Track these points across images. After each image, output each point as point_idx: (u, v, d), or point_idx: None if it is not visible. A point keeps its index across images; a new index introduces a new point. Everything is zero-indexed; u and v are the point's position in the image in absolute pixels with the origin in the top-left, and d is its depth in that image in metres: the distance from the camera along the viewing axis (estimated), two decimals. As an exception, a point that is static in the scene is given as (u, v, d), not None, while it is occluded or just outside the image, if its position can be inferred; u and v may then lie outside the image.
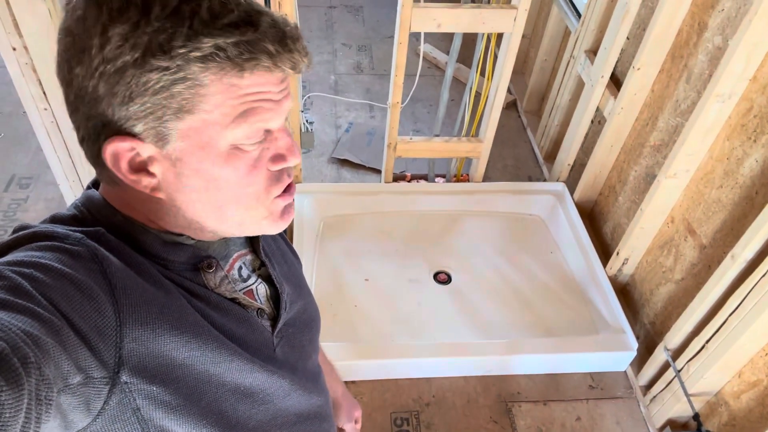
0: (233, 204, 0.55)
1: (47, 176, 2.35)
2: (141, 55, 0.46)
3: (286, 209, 0.59)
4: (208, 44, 0.46)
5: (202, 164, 0.51)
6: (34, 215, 2.28)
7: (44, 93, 1.48)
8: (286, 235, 2.00)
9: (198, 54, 0.46)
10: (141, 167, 0.52)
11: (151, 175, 0.52)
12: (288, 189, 0.58)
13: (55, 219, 0.55)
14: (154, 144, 0.50)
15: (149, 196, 0.53)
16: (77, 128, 0.53)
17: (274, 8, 1.53)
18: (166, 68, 0.46)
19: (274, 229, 0.60)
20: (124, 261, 0.52)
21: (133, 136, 0.49)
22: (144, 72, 0.46)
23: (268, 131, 0.54)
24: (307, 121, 2.72)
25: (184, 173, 0.52)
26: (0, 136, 2.59)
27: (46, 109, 1.53)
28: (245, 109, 0.50)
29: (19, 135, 2.58)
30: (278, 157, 0.55)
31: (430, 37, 3.28)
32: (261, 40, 0.48)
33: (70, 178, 1.78)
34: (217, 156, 0.51)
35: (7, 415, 0.36)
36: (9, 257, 0.48)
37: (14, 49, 1.35)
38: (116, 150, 0.50)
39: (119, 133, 0.50)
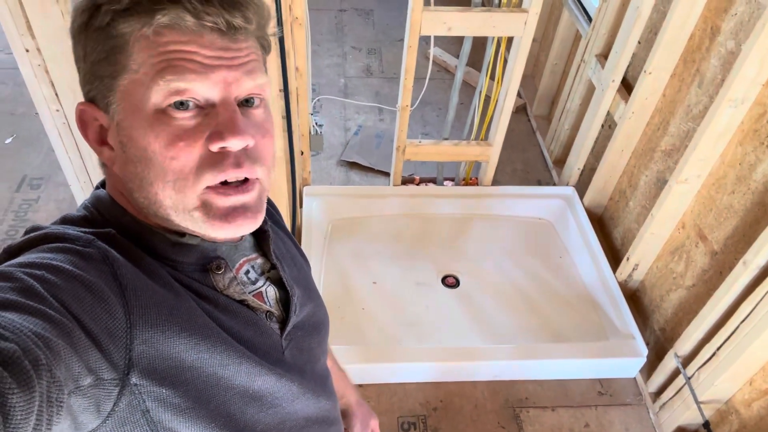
0: (161, 180, 0.51)
1: (58, 177, 2.36)
2: (87, 18, 0.50)
3: (232, 212, 0.53)
4: None
5: (134, 130, 0.51)
6: (45, 216, 2.29)
7: (56, 94, 1.49)
8: (295, 236, 1.98)
9: (118, 7, 0.48)
10: (104, 139, 0.54)
11: (110, 147, 0.54)
12: (243, 185, 0.53)
13: (65, 220, 0.55)
14: (104, 110, 0.53)
15: (117, 175, 0.55)
16: None
17: (285, 11, 1.53)
18: (100, 27, 0.50)
19: (215, 230, 0.53)
20: (134, 262, 0.53)
21: (92, 101, 0.53)
22: (89, 33, 0.50)
23: (209, 104, 0.51)
24: (316, 123, 2.73)
25: (123, 141, 0.52)
26: (12, 137, 2.61)
27: (58, 111, 1.54)
28: (163, 66, 0.49)
29: (31, 136, 2.60)
30: (215, 135, 0.50)
31: (440, 41, 3.28)
32: None
33: (81, 179, 1.79)
34: (144, 120, 0.50)
35: (19, 417, 0.36)
36: (21, 259, 0.48)
37: (27, 50, 1.36)
38: (79, 114, 0.54)
39: (85, 100, 0.54)
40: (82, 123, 0.55)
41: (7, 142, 2.59)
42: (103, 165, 0.57)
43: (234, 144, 0.51)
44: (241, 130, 0.51)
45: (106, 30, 0.50)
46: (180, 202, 0.52)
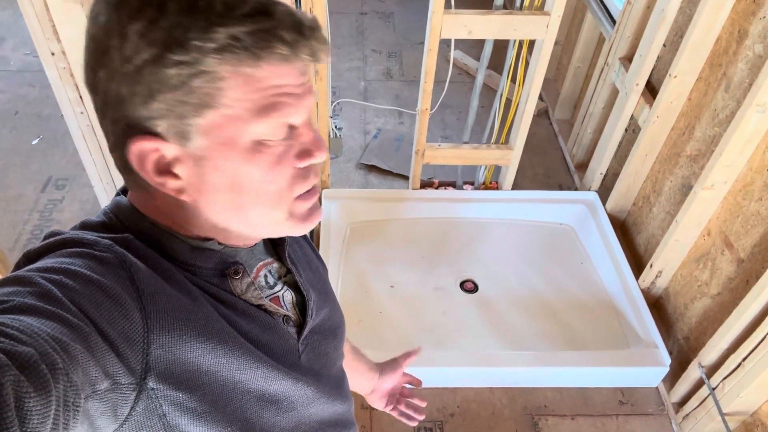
0: (255, 203, 0.54)
1: (83, 178, 2.40)
2: (158, 51, 0.46)
3: (311, 211, 0.58)
4: (222, 35, 0.46)
5: (226, 162, 0.51)
6: (69, 216, 2.33)
7: (81, 97, 1.52)
8: (313, 240, 1.97)
9: (213, 45, 0.46)
10: (166, 169, 0.52)
11: (176, 176, 0.52)
12: (311, 190, 0.57)
13: (84, 225, 0.56)
14: (177, 143, 0.50)
15: (176, 199, 0.54)
16: (107, 135, 0.53)
17: (305, 15, 1.54)
18: (183, 62, 0.46)
19: (299, 230, 0.59)
20: (152, 267, 0.53)
21: (157, 135, 0.50)
22: (162, 68, 0.46)
23: (292, 127, 0.53)
24: (335, 126, 2.74)
25: (207, 172, 0.51)
26: (39, 138, 2.66)
27: (82, 113, 1.57)
28: (266, 103, 0.49)
29: (57, 137, 2.65)
30: (304, 153, 0.54)
31: (462, 43, 3.26)
32: (276, 27, 0.47)
33: (104, 180, 1.81)
34: (241, 152, 0.51)
35: (35, 421, 0.36)
36: (39, 264, 0.48)
37: (53, 53, 1.39)
38: (141, 150, 0.50)
39: (143, 133, 0.50)
40: (140, 160, 0.51)
41: (33, 143, 2.64)
42: (137, 184, 0.55)
43: (320, 158, 0.55)
44: (324, 146, 0.56)
45: (192, 65, 0.47)
46: (271, 217, 0.56)
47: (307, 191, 0.57)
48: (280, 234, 0.60)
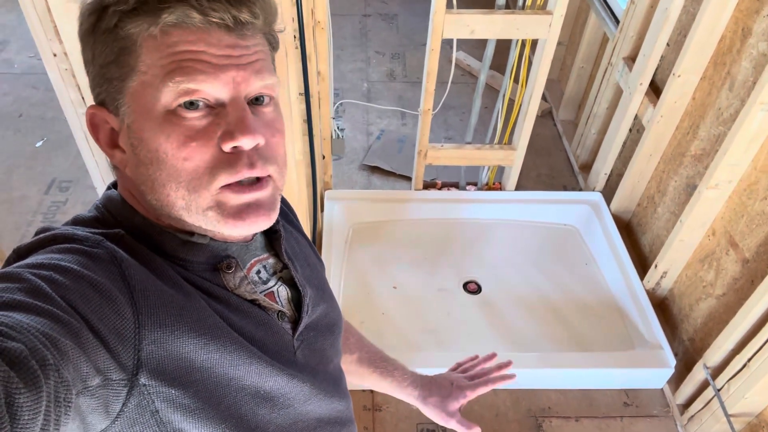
0: (174, 182, 0.51)
1: (86, 180, 2.41)
2: (95, 20, 0.50)
3: (245, 209, 0.53)
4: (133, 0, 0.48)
5: (144, 132, 0.51)
6: (73, 218, 2.33)
7: (83, 98, 1.52)
8: (315, 241, 1.97)
9: (125, 8, 0.48)
10: (115, 141, 0.54)
11: (122, 150, 0.54)
12: (257, 183, 0.53)
13: (77, 221, 0.56)
14: (114, 112, 0.52)
15: (129, 177, 0.55)
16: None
17: (306, 15, 1.54)
18: (108, 29, 0.49)
19: (229, 228, 0.53)
20: (144, 263, 0.52)
21: (101, 104, 0.53)
22: (97, 36, 0.50)
23: (220, 104, 0.51)
24: (338, 127, 2.73)
25: (134, 143, 0.52)
26: (43, 140, 2.67)
27: (84, 114, 1.57)
28: (173, 68, 0.49)
29: (61, 139, 2.66)
30: (226, 134, 0.50)
31: (465, 44, 3.26)
32: None
33: (107, 182, 1.81)
34: (154, 121, 0.50)
35: (26, 417, 0.36)
36: (29, 260, 0.48)
37: (54, 54, 1.39)
38: (91, 118, 0.54)
39: (98, 105, 0.54)
40: (93, 126, 0.55)
41: (37, 145, 2.65)
42: (115, 167, 0.57)
43: (245, 143, 0.51)
44: (252, 129, 0.51)
45: (113, 32, 0.49)
46: (193, 202, 0.52)
47: (248, 185, 0.52)
48: (209, 226, 0.54)
